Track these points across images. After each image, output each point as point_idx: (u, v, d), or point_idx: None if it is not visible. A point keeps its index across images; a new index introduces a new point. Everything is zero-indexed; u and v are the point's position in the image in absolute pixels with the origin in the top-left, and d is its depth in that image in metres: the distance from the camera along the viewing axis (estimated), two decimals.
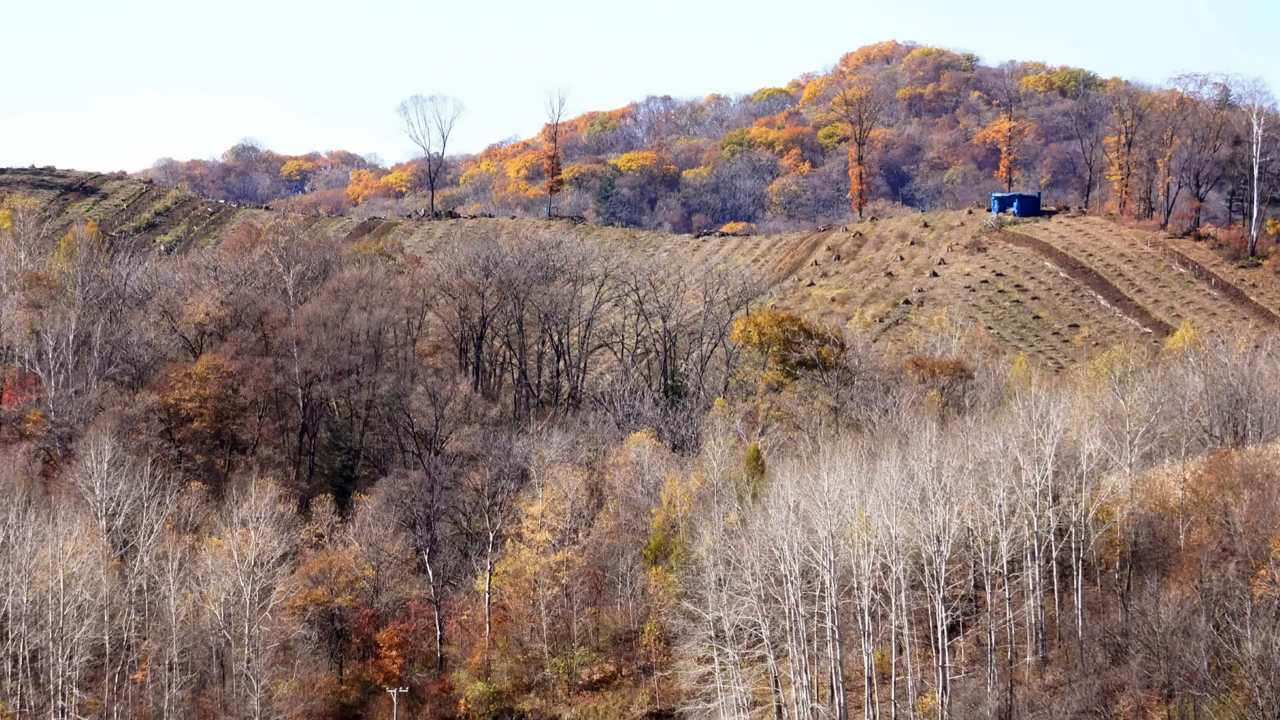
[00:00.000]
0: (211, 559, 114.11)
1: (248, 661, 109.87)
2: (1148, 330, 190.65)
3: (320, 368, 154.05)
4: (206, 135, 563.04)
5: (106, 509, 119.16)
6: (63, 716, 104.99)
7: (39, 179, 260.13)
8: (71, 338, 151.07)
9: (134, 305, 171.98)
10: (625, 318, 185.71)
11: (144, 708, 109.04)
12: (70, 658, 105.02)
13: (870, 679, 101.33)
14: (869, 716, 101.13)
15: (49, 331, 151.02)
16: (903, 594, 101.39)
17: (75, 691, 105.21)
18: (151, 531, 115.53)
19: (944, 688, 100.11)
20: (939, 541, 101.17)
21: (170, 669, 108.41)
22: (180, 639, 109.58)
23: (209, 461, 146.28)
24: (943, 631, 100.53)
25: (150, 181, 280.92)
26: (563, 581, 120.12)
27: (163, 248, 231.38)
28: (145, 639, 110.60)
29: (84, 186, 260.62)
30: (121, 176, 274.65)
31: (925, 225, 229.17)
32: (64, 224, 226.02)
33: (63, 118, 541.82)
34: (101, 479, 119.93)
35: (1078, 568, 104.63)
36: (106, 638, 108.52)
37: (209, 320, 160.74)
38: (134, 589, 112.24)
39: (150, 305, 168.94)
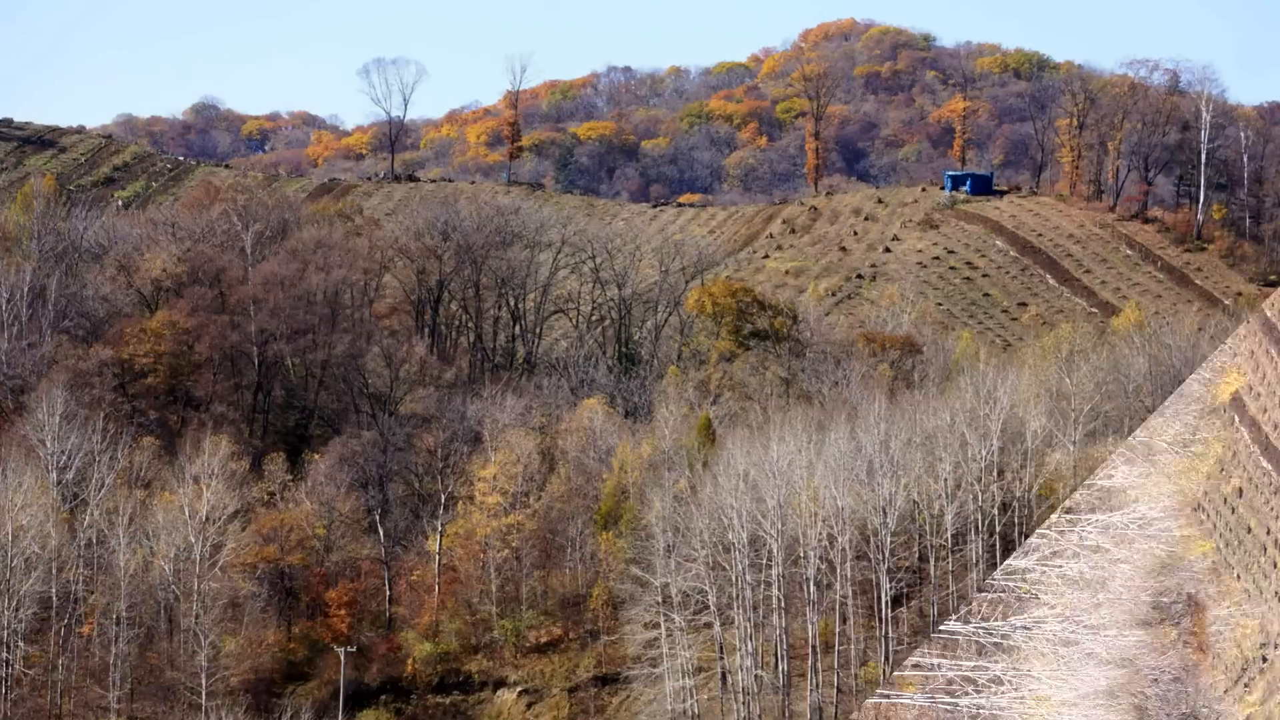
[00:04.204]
0: (162, 514, 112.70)
1: (196, 617, 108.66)
2: (1094, 310, 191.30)
3: (276, 326, 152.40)
4: (167, 92, 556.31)
5: (57, 462, 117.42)
6: (7, 668, 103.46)
7: None
8: (26, 290, 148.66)
9: (90, 259, 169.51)
10: (581, 285, 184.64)
11: (90, 661, 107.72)
12: (16, 610, 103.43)
13: (814, 647, 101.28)
14: (812, 684, 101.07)
15: (3, 284, 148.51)
16: (848, 564, 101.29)
17: (20, 644, 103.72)
18: (102, 486, 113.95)
19: (886, 658, 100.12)
20: (885, 513, 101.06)
21: (118, 623, 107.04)
22: (128, 593, 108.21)
23: (162, 417, 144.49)
24: (886, 602, 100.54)
25: (109, 136, 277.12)
26: (513, 544, 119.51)
27: (120, 203, 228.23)
28: (93, 593, 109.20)
29: (42, 139, 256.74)
30: (80, 131, 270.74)
31: (879, 201, 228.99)
32: (20, 176, 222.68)
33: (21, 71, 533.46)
34: (53, 432, 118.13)
35: (1020, 542, 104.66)
36: (54, 591, 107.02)
37: (165, 276, 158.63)
38: (83, 543, 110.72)
39: (106, 260, 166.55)
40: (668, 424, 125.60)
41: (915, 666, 64.25)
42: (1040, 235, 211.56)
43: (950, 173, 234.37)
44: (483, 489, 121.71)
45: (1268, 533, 58.29)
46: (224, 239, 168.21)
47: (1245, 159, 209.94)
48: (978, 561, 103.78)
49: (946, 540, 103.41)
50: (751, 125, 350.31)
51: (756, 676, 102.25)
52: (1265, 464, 61.23)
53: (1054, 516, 70.09)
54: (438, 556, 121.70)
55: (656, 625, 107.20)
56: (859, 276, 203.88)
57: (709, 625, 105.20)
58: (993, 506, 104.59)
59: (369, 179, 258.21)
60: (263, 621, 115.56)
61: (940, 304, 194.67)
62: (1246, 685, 52.92)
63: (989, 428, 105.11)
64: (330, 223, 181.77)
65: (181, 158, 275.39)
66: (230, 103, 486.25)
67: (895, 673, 72.33)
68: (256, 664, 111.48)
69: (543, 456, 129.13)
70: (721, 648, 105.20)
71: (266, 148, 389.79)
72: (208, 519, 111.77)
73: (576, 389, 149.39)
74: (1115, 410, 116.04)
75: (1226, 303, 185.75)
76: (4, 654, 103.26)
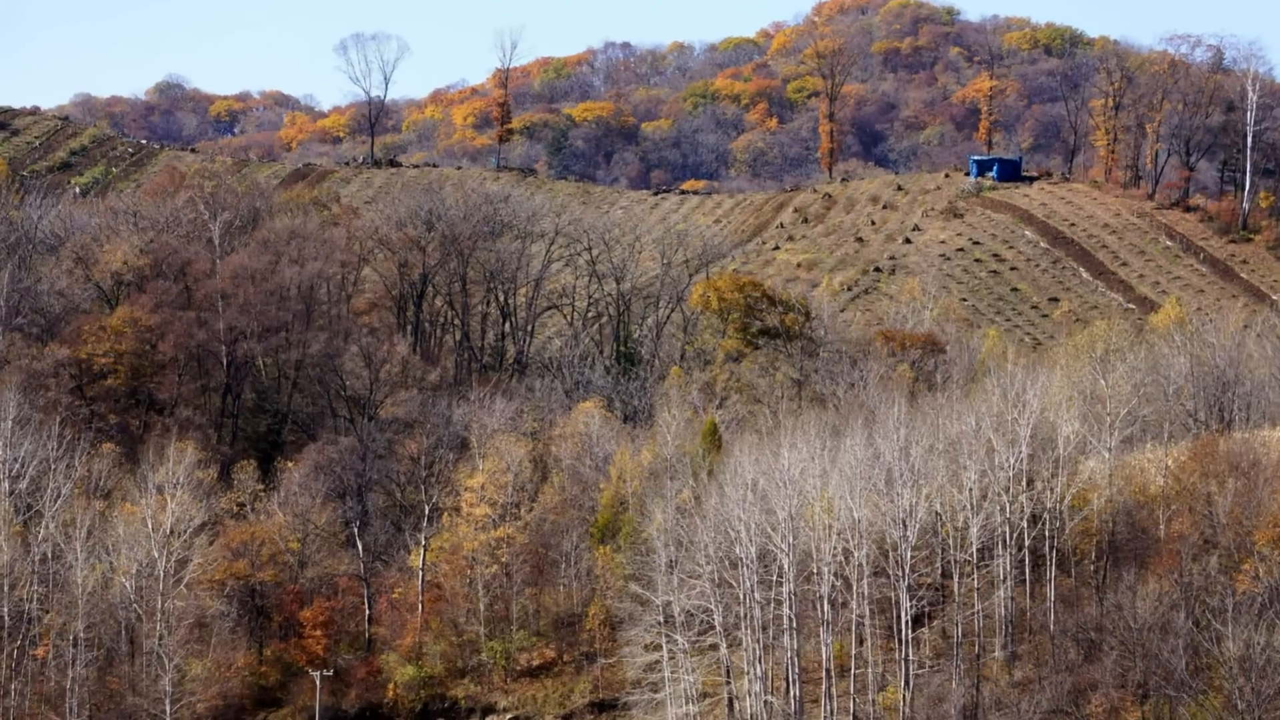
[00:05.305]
0: (123, 527, 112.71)
1: (160, 639, 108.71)
2: (1131, 306, 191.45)
3: (247, 324, 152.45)
4: (128, 70, 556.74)
5: (9, 470, 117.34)
6: None
7: None
8: None
9: (45, 251, 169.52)
10: (576, 278, 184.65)
11: (45, 686, 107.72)
12: None
13: (828, 671, 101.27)
14: (826, 711, 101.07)
15: None
16: (865, 581, 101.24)
17: None
18: (59, 496, 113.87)
19: (906, 682, 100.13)
20: (905, 526, 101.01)
21: (75, 645, 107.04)
22: (87, 613, 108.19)
23: (123, 422, 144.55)
24: (906, 622, 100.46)
25: (65, 118, 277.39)
26: (502, 560, 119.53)
27: (78, 190, 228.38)
28: (49, 612, 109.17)
29: None
30: (34, 112, 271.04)
31: (899, 188, 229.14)
32: None
33: None
34: (5, 438, 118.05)
35: (1051, 557, 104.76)
36: (6, 610, 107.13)
37: (127, 269, 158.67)
38: (37, 558, 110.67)
39: (63, 251, 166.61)
40: (670, 429, 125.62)
41: None
42: (1073, 225, 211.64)
43: (975, 157, 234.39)
44: (470, 500, 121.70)
45: None
46: (190, 229, 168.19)
47: None
48: (1005, 578, 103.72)
49: (972, 555, 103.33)
50: (760, 106, 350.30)
51: (766, 703, 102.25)
52: None
53: None
54: (421, 573, 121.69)
55: (658, 647, 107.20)
56: (877, 269, 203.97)
57: (714, 647, 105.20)
58: (1021, 518, 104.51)
59: (347, 164, 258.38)
60: (232, 643, 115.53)
61: (965, 299, 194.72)
62: None
63: (1017, 433, 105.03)
64: (305, 211, 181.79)
65: (144, 141, 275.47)
66: (197, 81, 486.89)
67: None
68: (225, 689, 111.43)
69: (535, 464, 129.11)
70: (728, 671, 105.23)
71: (236, 130, 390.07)
72: (172, 532, 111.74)
73: (571, 391, 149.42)
74: (1154, 414, 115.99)
75: (1274, 298, 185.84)
76: None
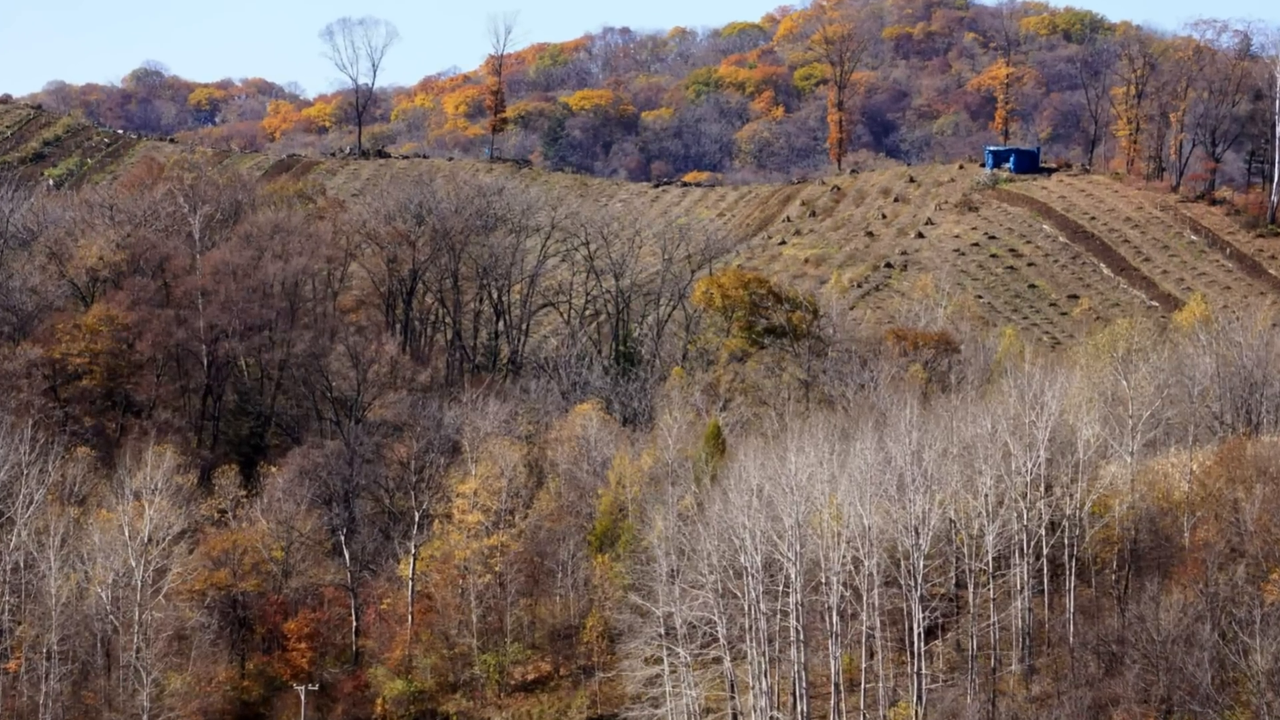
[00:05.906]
0: (99, 535, 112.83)
1: (137, 651, 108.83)
2: (1155, 304, 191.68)
3: (228, 322, 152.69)
4: (104, 56, 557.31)
5: None
6: None
7: None
8: None
9: (17, 246, 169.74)
10: (573, 275, 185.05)
11: (17, 701, 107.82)
12: None
13: (837, 685, 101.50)
14: None
15: None
16: (876, 591, 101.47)
17: None
18: (31, 502, 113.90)
19: (919, 697, 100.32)
20: (917, 533, 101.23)
21: (48, 658, 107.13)
22: (61, 624, 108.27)
23: (99, 425, 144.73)
24: (919, 634, 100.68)
25: (39, 107, 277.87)
26: (496, 569, 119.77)
27: (51, 182, 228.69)
28: (21, 623, 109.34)
29: None
30: (6, 100, 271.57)
31: (911, 180, 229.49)
32: None
33: None
34: None
35: (1070, 567, 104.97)
36: None
37: (103, 265, 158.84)
38: (9, 567, 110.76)
39: (36, 246, 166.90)
40: (671, 432, 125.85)
41: None
42: (1093, 219, 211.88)
43: (991, 148, 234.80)
44: (462, 506, 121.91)
45: None
46: (169, 223, 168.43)
47: None
48: (1022, 588, 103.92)
49: (987, 564, 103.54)
50: (766, 94, 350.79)
51: (772, 718, 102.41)
52: None
53: None
54: (411, 583, 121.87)
55: (659, 660, 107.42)
56: (888, 265, 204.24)
57: (718, 660, 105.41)
58: (1039, 526, 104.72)
59: (333, 155, 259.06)
60: (213, 656, 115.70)
61: (980, 296, 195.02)
62: None
63: (1035, 437, 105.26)
64: (289, 204, 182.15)
65: (120, 131, 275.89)
66: (176, 69, 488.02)
67: None
68: (205, 704, 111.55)
69: (530, 469, 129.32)
70: (733, 686, 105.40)
71: (217, 119, 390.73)
72: (150, 540, 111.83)
73: (568, 393, 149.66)
74: (1178, 417, 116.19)
75: None
76: None
